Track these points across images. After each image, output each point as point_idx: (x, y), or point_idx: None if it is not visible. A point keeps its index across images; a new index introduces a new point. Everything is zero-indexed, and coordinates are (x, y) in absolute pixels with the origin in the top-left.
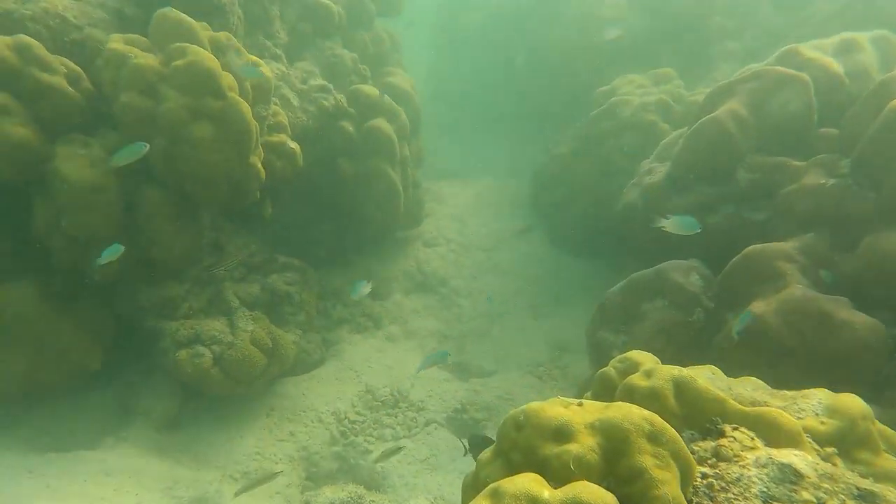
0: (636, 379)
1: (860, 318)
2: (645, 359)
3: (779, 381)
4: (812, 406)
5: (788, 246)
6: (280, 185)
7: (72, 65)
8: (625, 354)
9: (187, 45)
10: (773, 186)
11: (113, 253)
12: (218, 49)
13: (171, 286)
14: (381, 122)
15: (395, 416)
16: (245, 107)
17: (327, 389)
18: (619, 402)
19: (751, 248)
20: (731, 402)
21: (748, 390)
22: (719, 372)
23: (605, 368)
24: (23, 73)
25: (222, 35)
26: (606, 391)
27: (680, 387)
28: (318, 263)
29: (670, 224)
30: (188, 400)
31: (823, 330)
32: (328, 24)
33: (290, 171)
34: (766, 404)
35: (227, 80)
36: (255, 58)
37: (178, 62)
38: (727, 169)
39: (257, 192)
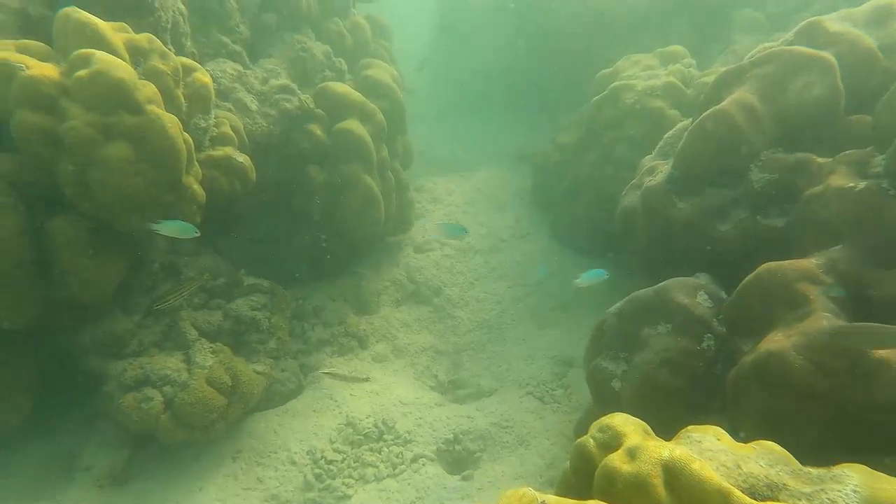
0: (618, 461)
1: None
2: (630, 429)
3: (802, 437)
4: (844, 497)
5: (812, 263)
6: (229, 205)
7: None
8: (606, 421)
9: (92, 52)
10: (794, 187)
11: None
12: (139, 54)
13: (117, 320)
14: (352, 124)
15: (379, 452)
16: (169, 121)
17: (303, 424)
18: None
19: (766, 267)
20: (737, 494)
21: (762, 465)
22: (726, 437)
23: (583, 439)
24: None
25: (143, 38)
26: (585, 469)
27: (672, 473)
28: (298, 280)
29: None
30: (139, 448)
31: (857, 373)
32: (296, 15)
33: (240, 188)
34: (784, 488)
35: (146, 91)
36: (186, 60)
37: (82, 73)
38: (738, 168)
39: (197, 216)
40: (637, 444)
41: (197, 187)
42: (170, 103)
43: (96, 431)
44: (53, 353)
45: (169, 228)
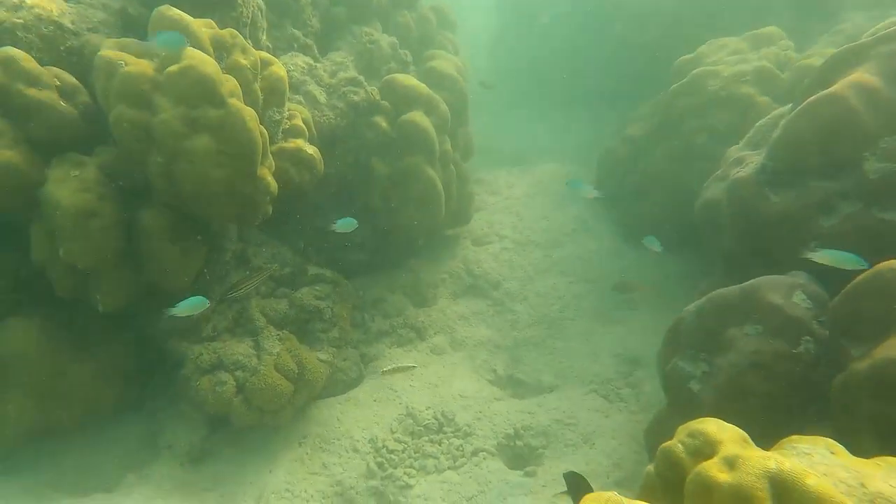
0: (715, 470)
1: None
2: (726, 436)
3: None
4: None
5: None
6: (300, 195)
7: (67, 76)
8: (697, 426)
9: (183, 47)
10: None
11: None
12: (222, 48)
13: None
14: (417, 116)
15: (440, 444)
16: (248, 114)
17: (364, 413)
18: None
19: (888, 265)
20: None
21: (893, 485)
22: (841, 450)
23: (670, 443)
24: (9, 90)
25: (226, 33)
26: (672, 476)
27: (782, 487)
28: (358, 270)
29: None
30: (215, 430)
31: None
32: (366, 7)
33: (309, 180)
34: None
35: (229, 84)
36: (264, 54)
37: (172, 68)
38: (850, 158)
39: (269, 206)
40: (737, 454)
41: (270, 179)
42: (248, 97)
43: (177, 412)
44: (144, 337)
45: (183, 308)
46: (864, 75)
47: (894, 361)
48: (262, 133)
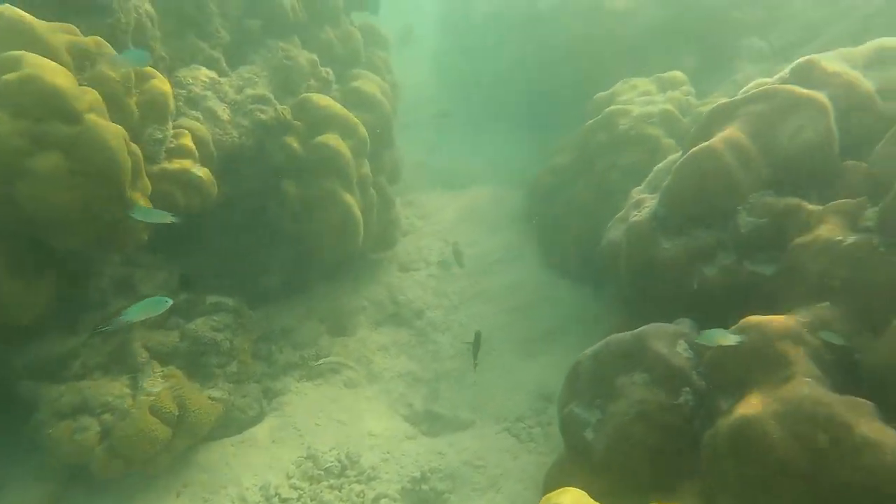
0: None
1: (890, 438)
2: None
3: None
4: None
5: (796, 321)
6: (194, 218)
7: None
8: (554, 500)
9: (23, 53)
10: (783, 234)
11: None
12: (84, 58)
13: (58, 340)
14: (331, 138)
15: (340, 489)
16: (112, 131)
17: (259, 456)
18: None
19: (748, 321)
20: None
21: None
22: None
23: None
24: None
25: (90, 41)
26: None
27: None
28: (271, 296)
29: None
30: (74, 481)
31: (838, 450)
32: (282, 21)
33: (199, 203)
34: None
35: (87, 98)
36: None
37: (10, 76)
38: (726, 210)
39: (143, 233)
40: None
41: (144, 203)
42: (119, 112)
43: (26, 463)
44: None
45: (138, 311)
46: (734, 132)
47: (750, 421)
48: (133, 152)
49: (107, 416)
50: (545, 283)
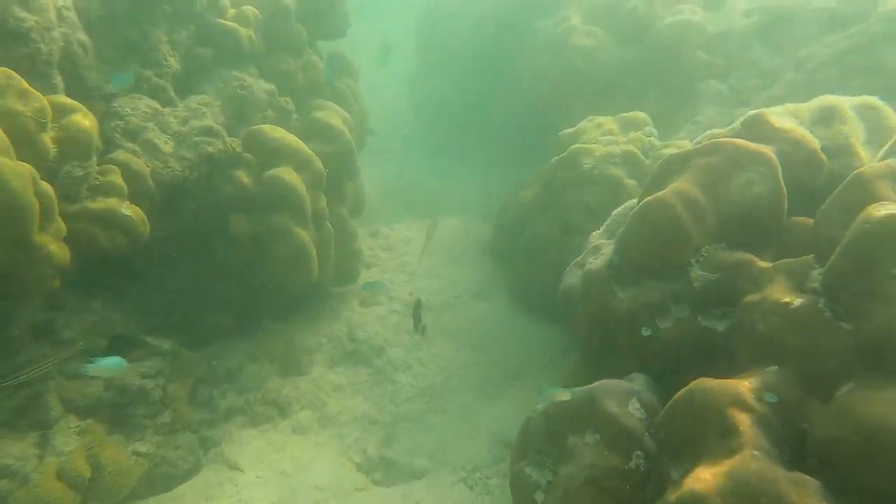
0: None
1: None
2: None
3: None
4: None
5: (745, 386)
6: (112, 261)
7: None
8: None
9: None
10: (735, 290)
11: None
12: None
13: None
14: (284, 172)
15: None
16: (12, 171)
17: None
18: None
19: (698, 384)
20: None
21: None
22: None
23: None
24: None
25: None
26: None
27: None
28: (217, 335)
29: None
30: None
31: None
32: (236, 50)
33: (126, 243)
34: None
35: None
36: (65, 100)
37: None
38: (679, 262)
39: (54, 280)
40: None
41: (55, 247)
42: (30, 149)
43: None
44: None
45: (103, 369)
46: (685, 184)
47: (697, 498)
48: (44, 192)
49: (3, 483)
50: (510, 317)
